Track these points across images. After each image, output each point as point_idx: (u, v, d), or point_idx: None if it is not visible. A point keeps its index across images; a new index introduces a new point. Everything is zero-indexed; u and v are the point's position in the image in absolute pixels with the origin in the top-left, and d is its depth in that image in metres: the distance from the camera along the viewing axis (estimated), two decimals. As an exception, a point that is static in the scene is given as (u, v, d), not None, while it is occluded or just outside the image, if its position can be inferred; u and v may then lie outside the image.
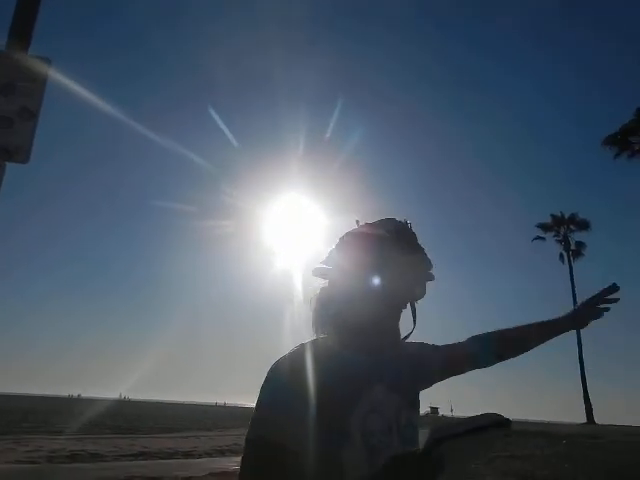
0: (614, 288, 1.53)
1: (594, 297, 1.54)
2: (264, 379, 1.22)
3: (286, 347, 1.30)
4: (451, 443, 1.11)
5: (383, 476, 1.07)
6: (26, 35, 3.03)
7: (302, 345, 1.26)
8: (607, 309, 1.55)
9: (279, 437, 1.13)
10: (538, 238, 47.68)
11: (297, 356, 1.23)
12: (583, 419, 43.99)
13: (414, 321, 1.35)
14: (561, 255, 46.99)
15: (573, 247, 46.55)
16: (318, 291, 1.38)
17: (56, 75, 3.04)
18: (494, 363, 1.57)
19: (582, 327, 1.58)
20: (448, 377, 1.50)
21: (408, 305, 1.35)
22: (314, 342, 1.30)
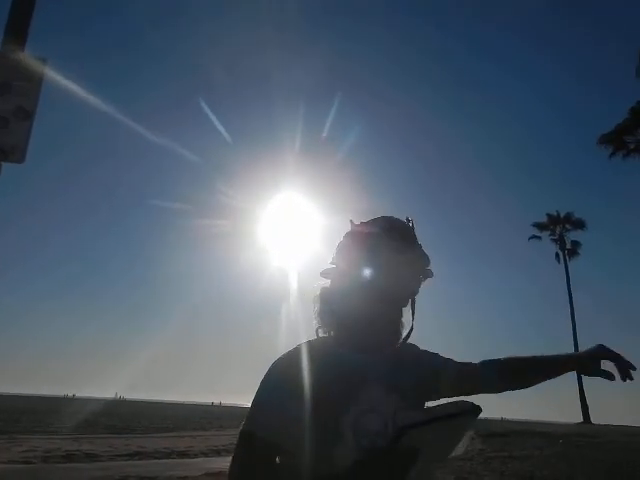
0: (631, 367, 1.33)
1: (608, 353, 1.35)
2: (262, 378, 1.24)
3: (282, 346, 1.32)
4: (419, 431, 1.11)
5: (351, 474, 1.07)
6: (22, 34, 3.02)
7: (300, 344, 1.28)
8: (610, 378, 1.35)
9: (271, 435, 1.16)
10: (534, 237, 47.82)
11: (293, 355, 1.25)
12: (579, 419, 44.15)
13: (412, 320, 1.35)
14: (557, 254, 47.14)
15: (569, 246, 46.69)
16: (319, 291, 1.39)
17: (52, 74, 3.03)
18: (498, 391, 1.48)
19: (586, 374, 1.40)
20: (458, 395, 1.41)
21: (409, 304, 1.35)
22: (312, 341, 1.32)
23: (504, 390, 1.46)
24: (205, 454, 14.34)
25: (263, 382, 1.24)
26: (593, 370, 1.35)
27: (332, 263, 1.40)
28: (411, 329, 1.35)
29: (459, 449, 1.25)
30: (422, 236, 1.39)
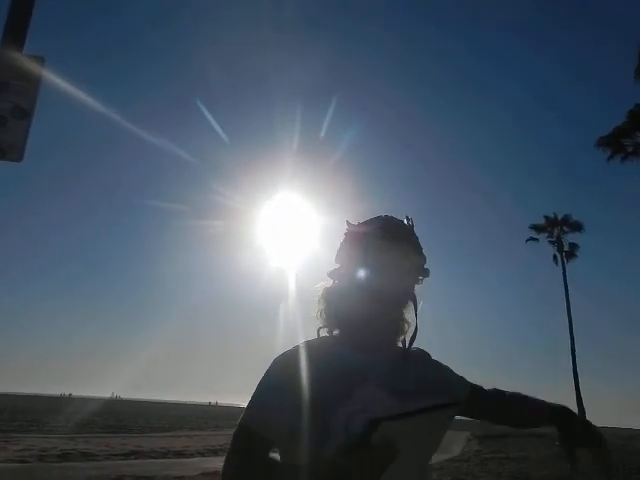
0: (608, 462, 1.33)
1: (586, 439, 1.34)
2: (262, 376, 1.26)
3: (281, 346, 1.32)
4: (392, 425, 1.10)
5: (326, 472, 1.07)
6: (21, 33, 3.01)
7: (300, 344, 1.29)
8: (573, 463, 1.37)
9: (266, 431, 1.19)
10: (531, 239, 47.84)
11: (293, 354, 1.26)
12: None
13: (416, 319, 1.35)
14: (554, 256, 47.16)
15: (566, 248, 46.65)
16: (321, 291, 1.39)
17: (50, 74, 3.03)
18: (492, 423, 1.54)
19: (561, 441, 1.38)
20: (463, 415, 1.44)
21: (411, 304, 1.35)
22: (311, 341, 1.33)
23: (491, 422, 1.54)
24: (201, 454, 14.35)
25: (262, 380, 1.25)
26: (569, 444, 1.35)
27: (336, 263, 1.41)
28: (416, 329, 1.35)
29: (435, 440, 1.25)
30: (420, 236, 1.39)
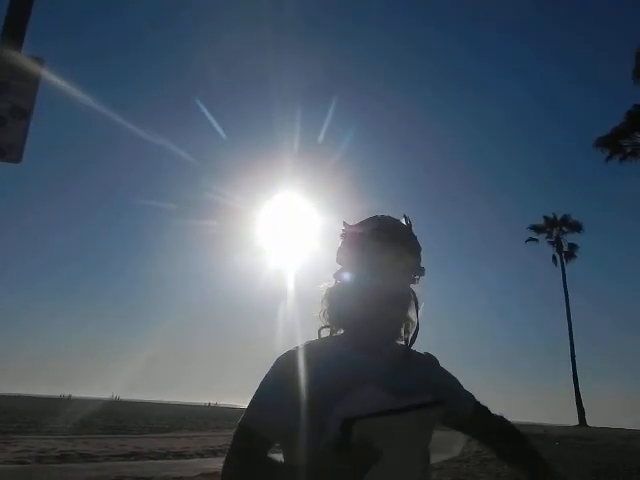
0: None
1: None
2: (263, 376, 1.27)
3: (280, 347, 1.33)
4: (372, 424, 1.09)
5: (309, 473, 1.07)
6: (19, 34, 3.02)
7: (301, 344, 1.30)
8: None
9: (266, 431, 1.19)
10: (531, 240, 47.90)
11: (293, 355, 1.26)
12: (575, 422, 44.22)
13: (417, 319, 1.36)
14: (554, 257, 47.21)
15: (566, 249, 46.74)
16: (324, 292, 1.40)
17: (50, 75, 3.03)
18: (484, 446, 1.56)
19: None
20: (461, 431, 1.48)
21: (411, 303, 1.35)
22: (312, 341, 1.34)
23: (484, 445, 1.55)
24: (201, 455, 14.33)
25: (264, 380, 1.25)
26: None
27: (337, 264, 1.41)
28: (417, 328, 1.35)
29: (421, 439, 1.25)
30: (420, 236, 1.39)
